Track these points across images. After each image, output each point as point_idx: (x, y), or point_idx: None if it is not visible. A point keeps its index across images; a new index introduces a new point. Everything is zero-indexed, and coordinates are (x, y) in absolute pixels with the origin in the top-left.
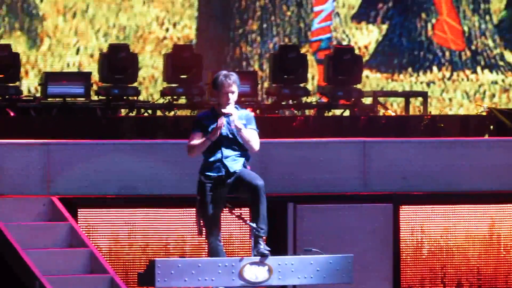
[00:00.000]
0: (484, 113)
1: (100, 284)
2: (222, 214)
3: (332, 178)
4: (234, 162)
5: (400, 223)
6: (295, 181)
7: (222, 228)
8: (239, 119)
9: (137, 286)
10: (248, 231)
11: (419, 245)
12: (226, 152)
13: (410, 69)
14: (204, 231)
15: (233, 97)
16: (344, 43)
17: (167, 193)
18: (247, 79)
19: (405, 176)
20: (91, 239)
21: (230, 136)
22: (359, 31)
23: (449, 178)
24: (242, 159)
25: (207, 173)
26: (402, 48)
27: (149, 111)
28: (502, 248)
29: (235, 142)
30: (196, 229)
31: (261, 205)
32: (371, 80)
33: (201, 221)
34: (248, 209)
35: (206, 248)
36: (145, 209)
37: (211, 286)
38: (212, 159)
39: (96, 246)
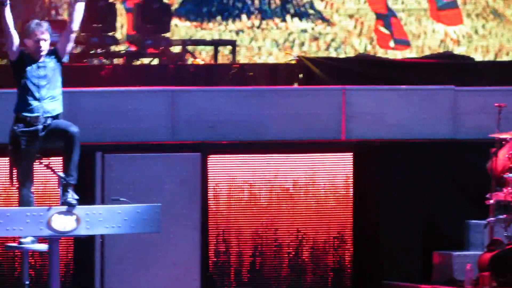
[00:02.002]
0: (293, 62)
1: None
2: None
3: (141, 128)
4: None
5: (208, 172)
6: (104, 130)
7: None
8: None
9: None
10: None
11: (227, 194)
12: (43, 92)
13: (219, 18)
14: (15, 181)
15: (45, 45)
16: None
17: None
18: (57, 27)
19: (213, 125)
20: None
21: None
22: None
23: (257, 127)
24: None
25: (23, 114)
26: None
27: None
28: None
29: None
30: (8, 178)
31: (74, 153)
32: (180, 28)
33: (14, 171)
34: (59, 158)
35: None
36: None
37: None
38: (29, 100)
39: None
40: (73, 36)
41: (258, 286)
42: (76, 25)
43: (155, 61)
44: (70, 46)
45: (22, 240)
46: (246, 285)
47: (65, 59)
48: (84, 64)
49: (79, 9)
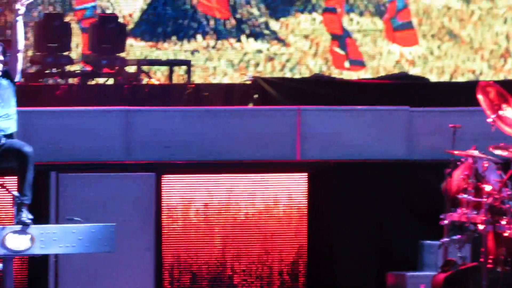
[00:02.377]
0: (248, 82)
1: None
2: None
3: (96, 147)
4: (6, 121)
5: (163, 193)
6: (58, 149)
7: None
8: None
9: None
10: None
11: (181, 214)
12: None
13: (174, 38)
14: None
15: None
16: (109, 11)
17: None
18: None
19: (168, 145)
20: None
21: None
22: None
23: (213, 147)
24: (13, 120)
25: None
26: (166, 17)
27: None
28: (259, 214)
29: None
30: None
31: (28, 172)
32: (135, 48)
33: None
34: (13, 177)
35: None
36: None
37: None
38: None
39: None
40: (20, 55)
41: None
42: (21, 44)
43: (110, 81)
44: (19, 65)
45: None
46: None
47: (18, 78)
48: (39, 84)
49: (19, 27)
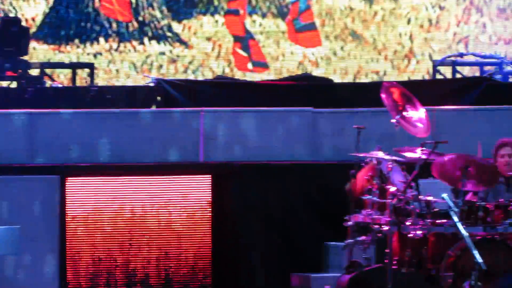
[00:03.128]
0: (151, 84)
1: None
2: None
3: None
4: None
5: (66, 195)
6: None
7: None
8: None
9: None
10: None
11: (85, 216)
12: None
13: (77, 41)
14: None
15: None
16: (11, 15)
17: None
18: None
19: (72, 148)
20: None
21: None
22: (26, 2)
23: (116, 150)
24: None
25: None
26: (69, 20)
27: None
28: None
29: None
30: None
31: None
32: (38, 51)
33: None
34: None
35: None
36: None
37: None
38: None
39: None
40: None
41: None
42: None
43: (14, 84)
44: None
45: None
46: None
47: None
48: None
49: None
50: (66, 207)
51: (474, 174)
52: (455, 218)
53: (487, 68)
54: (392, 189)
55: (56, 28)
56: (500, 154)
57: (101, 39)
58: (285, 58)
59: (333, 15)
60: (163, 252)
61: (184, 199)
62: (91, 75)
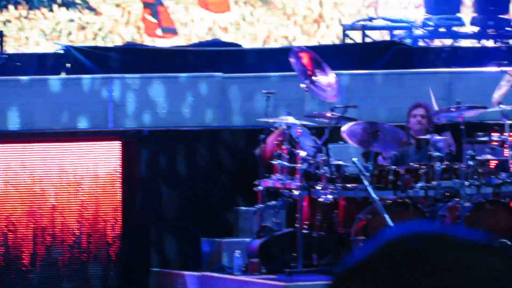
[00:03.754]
0: (61, 51)
1: None
2: None
3: None
4: None
5: None
6: None
7: None
8: None
9: None
10: None
11: None
12: None
13: None
14: None
15: None
16: None
17: None
18: None
19: None
20: None
21: None
22: None
23: (26, 117)
24: None
25: None
26: None
27: None
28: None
29: None
30: None
31: None
32: None
33: None
34: None
35: None
36: None
37: None
38: None
39: None
40: None
41: (38, 276)
42: None
43: None
44: None
45: None
46: (29, 272)
47: None
48: None
49: None
50: None
51: (384, 138)
52: (366, 182)
53: (396, 32)
54: (302, 153)
55: None
56: (413, 114)
57: (11, 7)
58: (194, 24)
59: None
60: (73, 219)
61: (94, 166)
62: (1, 42)
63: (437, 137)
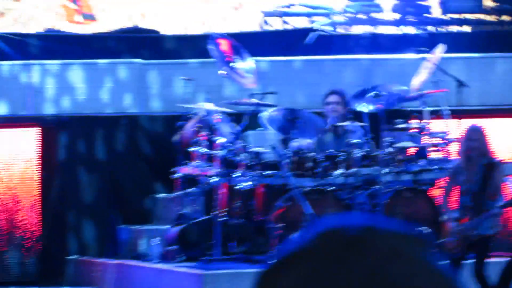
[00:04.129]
0: None
1: None
2: None
3: None
4: None
5: None
6: None
7: None
8: None
9: None
10: None
11: None
12: None
13: None
14: None
15: None
16: None
17: None
18: None
19: None
20: None
21: None
22: None
23: None
24: None
25: None
26: None
27: None
28: None
29: None
30: None
31: None
32: None
33: None
34: None
35: None
36: None
37: None
38: None
39: None
40: None
41: None
42: None
43: None
44: None
45: None
46: None
47: None
48: None
49: None
50: None
51: (303, 125)
52: (284, 169)
53: (316, 18)
54: (221, 140)
55: None
56: (328, 101)
57: None
58: (114, 10)
59: None
60: None
61: (12, 152)
62: None
63: (355, 124)
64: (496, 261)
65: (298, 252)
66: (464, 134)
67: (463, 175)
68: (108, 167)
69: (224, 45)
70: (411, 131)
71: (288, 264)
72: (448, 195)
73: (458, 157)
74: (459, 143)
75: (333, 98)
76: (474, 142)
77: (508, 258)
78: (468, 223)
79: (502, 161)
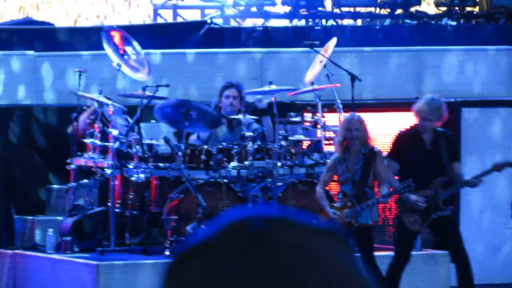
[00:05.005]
0: None
1: None
2: None
3: None
4: None
5: None
6: None
7: None
8: None
9: None
10: None
11: None
12: None
13: None
14: None
15: None
16: None
17: None
18: None
19: None
20: None
21: None
22: None
23: None
24: None
25: None
26: None
27: None
28: None
29: None
30: None
31: None
32: None
33: None
34: None
35: None
36: None
37: None
38: None
39: None
40: None
41: None
42: None
43: None
44: None
45: None
46: None
47: None
48: None
49: None
50: None
51: (196, 118)
52: (178, 162)
53: (208, 11)
54: (114, 132)
55: None
56: (225, 95)
57: None
58: (6, 1)
59: None
60: None
61: None
62: None
63: (249, 117)
64: (383, 255)
65: (203, 244)
66: (342, 124)
67: (342, 164)
68: (2, 158)
69: (116, 37)
70: (305, 124)
71: (192, 257)
72: (325, 185)
73: (336, 147)
74: (337, 133)
75: (231, 92)
76: (354, 132)
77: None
78: (348, 211)
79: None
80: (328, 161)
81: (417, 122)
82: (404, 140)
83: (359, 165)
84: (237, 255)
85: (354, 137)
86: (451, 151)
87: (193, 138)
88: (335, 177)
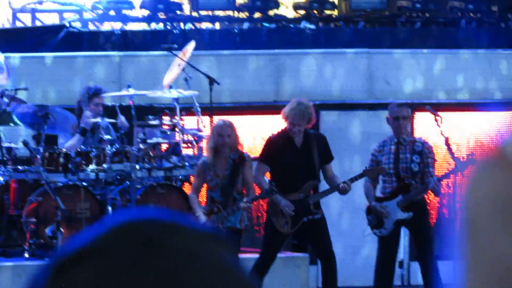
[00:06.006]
0: None
1: None
2: None
3: None
4: None
5: None
6: None
7: None
8: None
9: None
10: None
11: None
12: None
13: None
14: None
15: None
16: None
17: None
18: None
19: None
20: None
21: None
22: None
23: None
24: None
25: None
26: None
27: None
28: None
29: None
30: None
31: None
32: None
33: None
34: None
35: None
36: None
37: None
38: None
39: None
40: None
41: None
42: None
43: None
44: None
45: None
46: None
47: None
48: None
49: None
50: None
51: (54, 121)
52: (37, 165)
53: (66, 15)
54: None
55: None
56: (95, 102)
57: None
58: None
59: None
60: None
61: None
62: None
63: (107, 120)
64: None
65: (90, 250)
66: (213, 130)
67: (211, 170)
68: None
69: None
70: (163, 127)
71: (78, 264)
72: (198, 190)
73: (206, 152)
74: (207, 139)
75: (100, 100)
76: (225, 138)
77: (258, 255)
78: (214, 216)
79: (251, 156)
80: (196, 167)
81: (287, 126)
82: (275, 143)
83: (228, 171)
84: (130, 261)
85: (226, 143)
86: (323, 153)
87: (60, 142)
88: (205, 182)
